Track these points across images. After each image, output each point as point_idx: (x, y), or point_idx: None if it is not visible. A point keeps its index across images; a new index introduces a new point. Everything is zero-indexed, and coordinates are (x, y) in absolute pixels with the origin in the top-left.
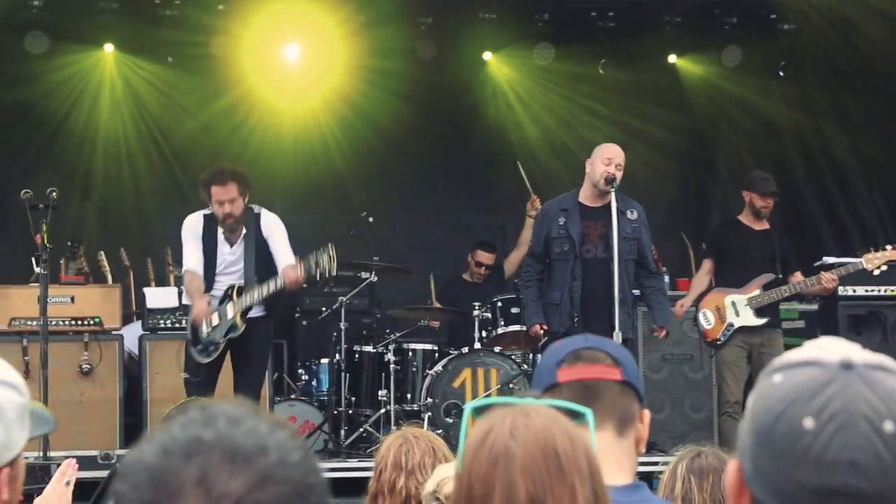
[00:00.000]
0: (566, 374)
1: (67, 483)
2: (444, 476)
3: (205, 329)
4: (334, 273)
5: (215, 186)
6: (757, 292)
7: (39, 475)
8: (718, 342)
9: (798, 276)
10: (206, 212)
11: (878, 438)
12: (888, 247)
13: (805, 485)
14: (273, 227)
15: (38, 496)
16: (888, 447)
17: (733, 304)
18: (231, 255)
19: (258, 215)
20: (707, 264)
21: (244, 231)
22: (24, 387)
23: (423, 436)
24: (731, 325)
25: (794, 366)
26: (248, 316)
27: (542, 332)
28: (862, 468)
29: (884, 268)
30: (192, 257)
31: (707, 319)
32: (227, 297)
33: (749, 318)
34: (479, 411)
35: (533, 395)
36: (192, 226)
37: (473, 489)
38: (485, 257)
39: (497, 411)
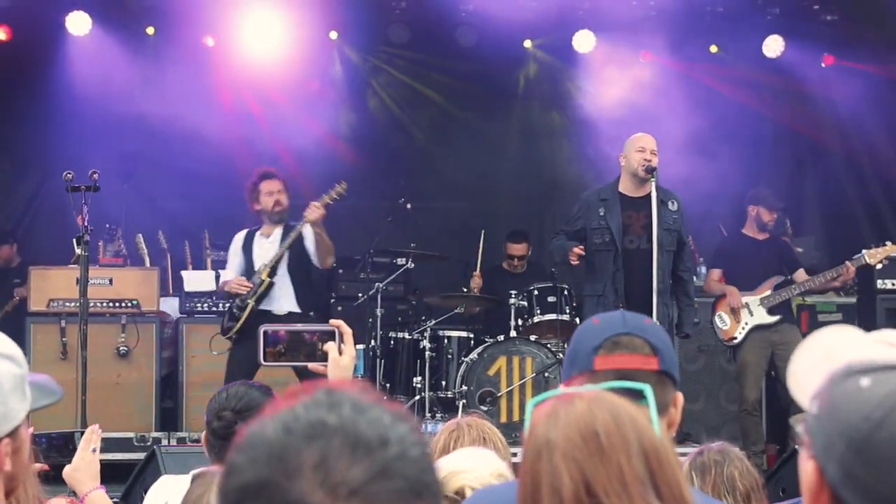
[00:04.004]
0: (603, 362)
1: (94, 450)
2: (444, 472)
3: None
4: (343, 194)
5: (265, 182)
6: (768, 292)
7: (62, 445)
8: (735, 340)
9: (802, 274)
10: (251, 228)
11: None
12: (888, 242)
13: None
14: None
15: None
16: None
17: (747, 304)
18: (267, 245)
19: (295, 225)
20: (716, 273)
21: (281, 230)
22: (21, 358)
23: (477, 425)
24: (746, 323)
25: (881, 369)
26: (282, 311)
27: (581, 251)
28: None
29: (886, 262)
30: (229, 271)
31: (723, 321)
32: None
33: (763, 317)
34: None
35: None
36: (235, 242)
37: (525, 485)
38: (515, 249)
39: (544, 404)
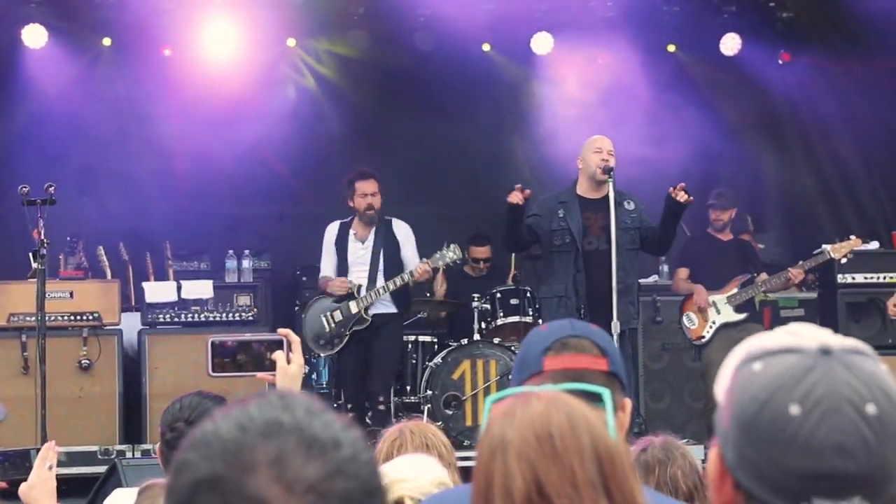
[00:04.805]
0: (553, 362)
1: (50, 467)
2: (388, 479)
3: (326, 325)
4: (458, 261)
5: (360, 181)
6: (735, 290)
7: (19, 463)
8: (703, 339)
9: (763, 276)
10: (343, 220)
11: (862, 421)
12: (852, 236)
13: (793, 470)
14: (407, 233)
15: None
16: (872, 429)
17: (714, 303)
18: (361, 251)
19: (389, 221)
20: (683, 272)
21: (374, 232)
22: None
23: (420, 431)
24: (713, 322)
25: (772, 353)
26: (379, 312)
27: (520, 191)
28: (849, 451)
29: (850, 256)
30: (326, 266)
31: (691, 320)
32: (349, 296)
33: (730, 315)
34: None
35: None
36: (328, 235)
37: (479, 484)
38: (478, 252)
39: (501, 403)
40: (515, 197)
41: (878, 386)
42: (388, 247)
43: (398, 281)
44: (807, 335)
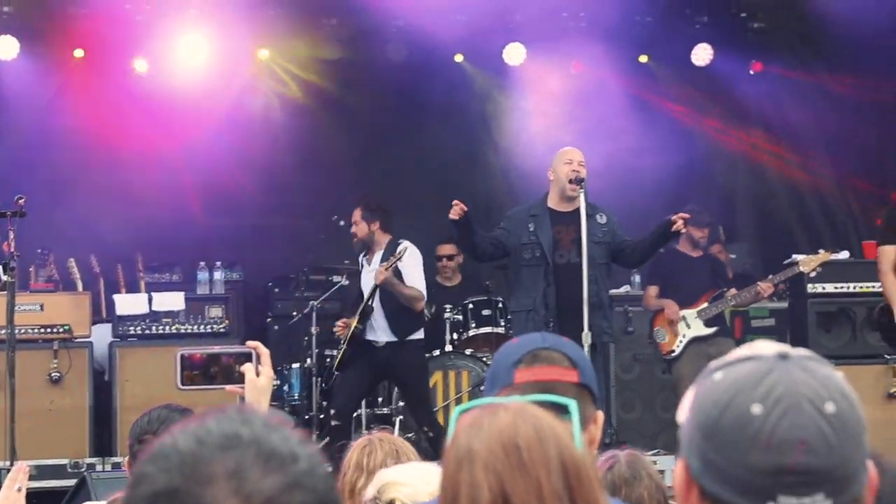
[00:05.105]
0: (523, 374)
1: (19, 489)
2: (385, 481)
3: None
4: (402, 259)
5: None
6: (705, 305)
7: None
8: (674, 353)
9: (733, 291)
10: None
11: (821, 418)
12: (821, 250)
13: (757, 468)
14: (406, 260)
15: None
16: (831, 426)
17: (684, 317)
18: (368, 273)
19: (399, 244)
20: (653, 290)
21: (380, 255)
22: None
23: (389, 439)
24: (684, 336)
25: (732, 363)
26: (378, 339)
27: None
28: (810, 446)
29: (819, 269)
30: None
31: (661, 335)
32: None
33: (700, 329)
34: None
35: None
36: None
37: (445, 494)
38: (443, 248)
39: (468, 414)
40: (454, 213)
41: (835, 386)
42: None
43: (370, 300)
44: (765, 347)
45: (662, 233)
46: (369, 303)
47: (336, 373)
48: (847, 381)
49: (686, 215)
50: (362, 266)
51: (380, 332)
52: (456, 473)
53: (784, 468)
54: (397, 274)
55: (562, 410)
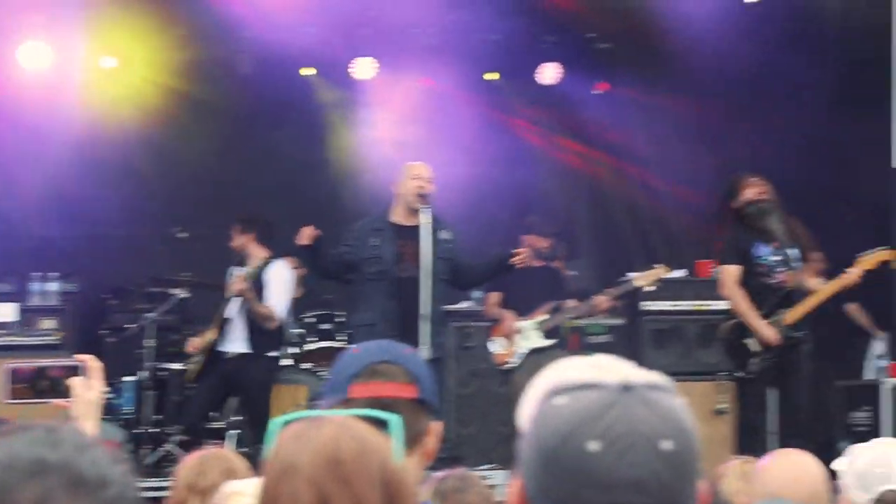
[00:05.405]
0: (360, 390)
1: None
2: (232, 490)
3: None
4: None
5: None
6: (544, 317)
7: None
8: (511, 364)
9: (571, 303)
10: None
11: (657, 458)
12: (656, 265)
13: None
14: (270, 276)
15: None
16: (666, 465)
17: (522, 329)
18: (235, 275)
19: (268, 262)
20: (494, 297)
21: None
22: None
23: (222, 456)
24: (521, 347)
25: (575, 388)
26: (233, 349)
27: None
28: (644, 486)
29: (655, 286)
30: None
31: (498, 346)
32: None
33: (538, 340)
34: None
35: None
36: None
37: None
38: (292, 262)
39: (292, 426)
40: (303, 238)
41: (675, 422)
42: (257, 287)
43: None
44: (610, 369)
45: (498, 262)
46: (228, 316)
47: (189, 385)
48: (687, 408)
49: (523, 255)
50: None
51: (236, 341)
52: (277, 485)
53: None
54: (259, 287)
55: (386, 425)
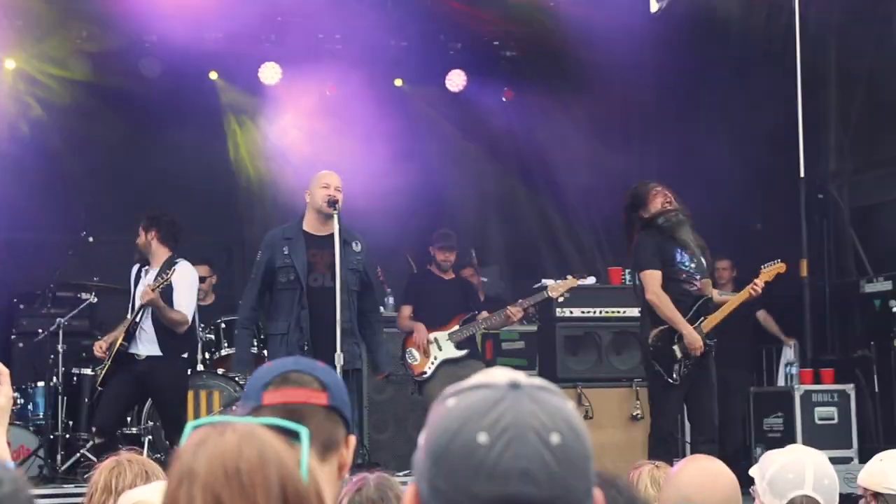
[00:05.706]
0: (271, 396)
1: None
2: (137, 500)
3: None
4: (170, 281)
5: None
6: (456, 328)
7: None
8: (425, 375)
9: (484, 314)
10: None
11: (545, 449)
12: (569, 276)
13: (481, 496)
14: (177, 278)
15: None
16: (555, 457)
17: (436, 339)
18: (141, 289)
19: (176, 263)
20: (407, 310)
21: (154, 273)
22: None
23: (137, 460)
24: (435, 358)
25: (466, 390)
26: (144, 352)
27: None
28: (532, 476)
29: (567, 295)
30: None
31: (413, 356)
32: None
33: (451, 351)
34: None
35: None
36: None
37: None
38: (199, 270)
39: (198, 431)
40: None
41: (563, 418)
42: (166, 290)
43: (137, 316)
44: (500, 374)
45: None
46: (136, 320)
47: (99, 388)
48: (576, 412)
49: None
50: (139, 277)
51: (146, 344)
52: (176, 490)
53: (505, 498)
54: (168, 290)
55: (295, 436)
